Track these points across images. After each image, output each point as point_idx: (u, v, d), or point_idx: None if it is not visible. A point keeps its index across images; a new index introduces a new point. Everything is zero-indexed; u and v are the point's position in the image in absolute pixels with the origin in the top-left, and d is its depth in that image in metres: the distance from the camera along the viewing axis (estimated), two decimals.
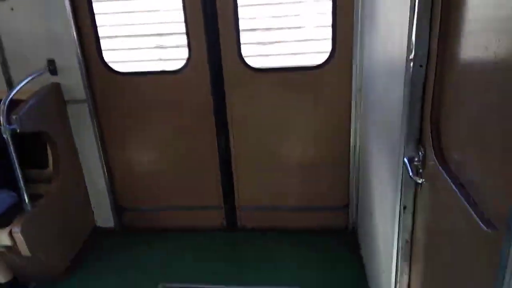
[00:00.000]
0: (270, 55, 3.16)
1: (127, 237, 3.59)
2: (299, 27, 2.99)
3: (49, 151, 3.12)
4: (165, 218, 3.62)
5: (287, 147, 3.28)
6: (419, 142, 1.69)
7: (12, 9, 2.91)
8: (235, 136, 3.27)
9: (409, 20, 1.60)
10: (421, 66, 1.57)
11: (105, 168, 3.41)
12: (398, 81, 1.76)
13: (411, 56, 1.58)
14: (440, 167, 1.48)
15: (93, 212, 3.58)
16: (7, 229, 2.71)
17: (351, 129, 3.13)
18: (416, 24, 1.56)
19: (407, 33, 1.63)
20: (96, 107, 3.25)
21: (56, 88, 3.10)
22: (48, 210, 2.99)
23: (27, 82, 2.84)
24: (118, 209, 3.61)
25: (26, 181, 2.75)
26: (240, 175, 3.40)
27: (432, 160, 1.56)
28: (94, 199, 3.53)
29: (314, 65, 3.01)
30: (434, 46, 1.52)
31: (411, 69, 1.59)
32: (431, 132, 1.57)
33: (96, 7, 3.00)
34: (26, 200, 2.76)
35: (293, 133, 3.23)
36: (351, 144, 3.17)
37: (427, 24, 1.54)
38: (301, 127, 3.21)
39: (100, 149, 3.34)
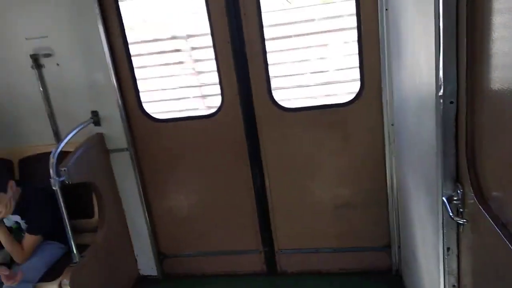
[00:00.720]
0: (299, 98, 3.20)
1: (169, 284, 3.60)
2: (326, 71, 3.02)
3: (94, 201, 3.25)
4: (205, 263, 3.61)
5: (323, 187, 3.23)
6: (457, 180, 1.62)
7: (58, 64, 3.14)
8: (270, 177, 3.27)
9: (435, 55, 1.58)
10: (451, 102, 1.53)
11: (146, 215, 3.49)
12: (430, 118, 1.72)
13: (440, 93, 1.55)
14: (480, 206, 1.40)
15: (136, 260, 3.63)
16: (57, 282, 2.79)
17: (386, 166, 3.05)
18: (443, 59, 1.53)
19: (434, 68, 1.60)
20: (137, 154, 3.38)
21: (100, 138, 3.27)
22: (94, 259, 3.07)
23: (74, 134, 3.00)
24: (160, 256, 3.64)
25: (73, 231, 2.85)
26: (278, 217, 3.37)
27: (471, 198, 1.48)
28: (137, 246, 3.60)
29: (344, 102, 3.01)
30: (463, 80, 1.48)
31: (442, 106, 1.55)
32: (468, 170, 1.50)
33: (134, 60, 3.18)
34: (74, 251, 2.85)
35: (328, 172, 3.19)
36: (388, 182, 3.08)
37: (453, 58, 1.51)
38: (335, 165, 3.16)
39: (142, 196, 3.43)
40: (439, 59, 1.54)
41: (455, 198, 1.62)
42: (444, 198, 1.64)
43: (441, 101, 1.56)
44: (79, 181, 2.90)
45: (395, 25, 2.51)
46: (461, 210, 1.60)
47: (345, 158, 3.13)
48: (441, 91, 1.55)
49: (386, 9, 2.64)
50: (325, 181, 3.22)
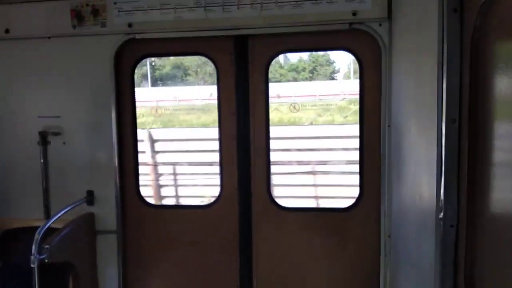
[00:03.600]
0: (298, 197, 3.21)
1: None
2: (328, 172, 3.08)
3: (70, 283, 3.06)
4: None
5: None
6: None
7: (64, 143, 3.18)
8: (258, 278, 3.14)
9: (437, 177, 1.62)
10: (451, 226, 1.54)
11: None
12: (428, 239, 1.71)
13: (441, 215, 1.57)
14: None
15: None
16: None
17: (380, 278, 2.95)
18: (444, 182, 1.57)
19: (435, 190, 1.64)
20: (125, 238, 3.28)
21: (90, 219, 3.19)
22: None
23: (65, 212, 2.93)
24: None
25: None
26: None
27: None
28: None
29: (342, 208, 3.01)
30: (464, 204, 1.51)
31: (441, 229, 1.56)
32: None
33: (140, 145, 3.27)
34: None
35: (320, 278, 3.09)
36: None
37: (455, 181, 1.55)
38: (327, 271, 3.08)
39: (121, 284, 3.25)
40: (440, 182, 1.59)
41: None
42: None
43: (441, 223, 1.57)
44: (59, 261, 2.77)
45: (396, 141, 2.62)
46: None
47: (338, 265, 3.05)
48: (441, 214, 1.57)
49: (389, 126, 2.78)
50: (316, 286, 3.09)
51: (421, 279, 1.92)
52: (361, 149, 2.95)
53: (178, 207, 3.27)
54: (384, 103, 2.80)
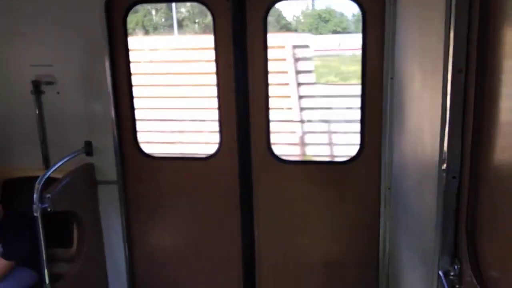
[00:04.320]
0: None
1: None
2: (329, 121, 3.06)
3: (75, 231, 3.13)
4: None
5: (314, 243, 3.18)
6: (455, 255, 1.60)
7: (58, 92, 3.13)
8: (260, 227, 3.21)
9: (441, 129, 1.60)
10: (454, 177, 1.54)
11: (127, 252, 3.36)
12: (430, 190, 1.72)
13: (444, 167, 1.56)
14: (477, 285, 1.38)
15: None
16: None
17: (380, 229, 3.02)
18: (448, 133, 1.55)
19: (438, 141, 1.62)
20: (126, 189, 3.31)
21: (89, 169, 3.20)
22: None
23: (64, 162, 2.94)
24: None
25: (49, 260, 2.74)
26: (264, 270, 3.27)
27: (468, 276, 1.46)
28: (112, 283, 3.42)
29: (342, 161, 3.02)
30: (467, 155, 1.50)
31: (444, 180, 1.56)
32: (467, 246, 1.49)
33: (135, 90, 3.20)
34: (47, 281, 2.73)
35: (320, 228, 3.15)
36: (380, 245, 3.04)
37: (459, 133, 1.53)
38: (328, 222, 3.13)
39: (124, 232, 3.33)
40: (444, 134, 1.57)
41: (452, 274, 1.59)
42: (440, 272, 1.61)
43: (444, 175, 1.57)
44: (62, 210, 2.82)
45: (399, 93, 2.58)
46: (457, 286, 1.57)
47: (338, 217, 3.10)
48: (444, 165, 1.56)
49: (391, 78, 2.73)
50: (317, 237, 3.17)
51: (422, 229, 1.95)
52: (363, 101, 2.91)
53: (177, 158, 3.27)
54: (387, 55, 2.72)
